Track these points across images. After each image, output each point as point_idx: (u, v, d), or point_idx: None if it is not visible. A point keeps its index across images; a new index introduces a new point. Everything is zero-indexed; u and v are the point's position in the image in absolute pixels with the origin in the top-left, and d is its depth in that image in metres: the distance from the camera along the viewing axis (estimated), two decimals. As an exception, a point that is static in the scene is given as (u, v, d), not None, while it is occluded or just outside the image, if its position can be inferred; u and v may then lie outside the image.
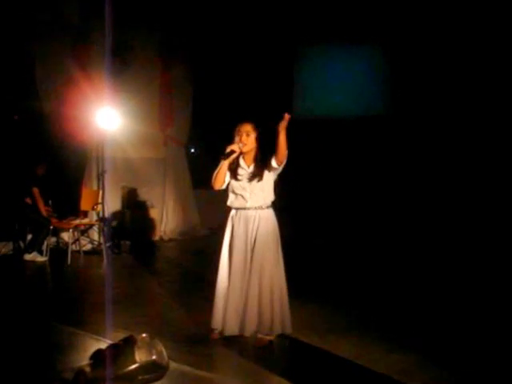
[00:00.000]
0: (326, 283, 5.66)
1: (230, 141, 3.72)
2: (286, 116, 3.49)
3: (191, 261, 7.21)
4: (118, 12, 6.72)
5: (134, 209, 8.03)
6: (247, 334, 3.65)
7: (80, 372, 2.71)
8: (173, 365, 3.06)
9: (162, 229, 8.46)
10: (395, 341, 3.90)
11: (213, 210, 8.82)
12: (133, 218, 8.00)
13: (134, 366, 2.76)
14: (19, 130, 7.69)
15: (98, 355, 2.83)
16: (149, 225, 8.18)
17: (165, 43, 8.33)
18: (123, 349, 2.80)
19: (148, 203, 8.25)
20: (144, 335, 2.90)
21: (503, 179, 7.46)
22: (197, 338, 3.90)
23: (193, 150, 9.93)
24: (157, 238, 8.29)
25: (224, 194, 3.87)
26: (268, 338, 3.71)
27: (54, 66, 7.31)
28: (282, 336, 3.79)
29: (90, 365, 2.76)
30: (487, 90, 7.83)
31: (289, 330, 3.77)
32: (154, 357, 2.82)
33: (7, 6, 6.60)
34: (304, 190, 8.85)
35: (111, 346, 2.90)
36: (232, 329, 3.65)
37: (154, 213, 8.34)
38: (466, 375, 3.39)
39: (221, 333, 3.73)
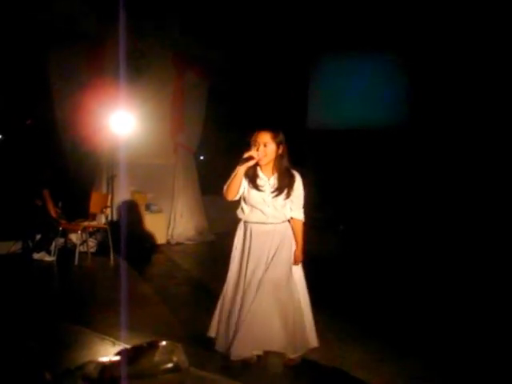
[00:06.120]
0: (337, 292, 5.67)
1: (245, 148, 3.40)
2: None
3: (198, 265, 7.25)
4: (132, 20, 6.85)
5: (143, 213, 8.12)
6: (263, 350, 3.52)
7: (105, 368, 2.77)
8: (191, 369, 3.11)
9: (170, 233, 8.54)
10: (401, 350, 3.95)
11: (220, 216, 8.91)
12: (141, 222, 8.08)
13: (154, 367, 2.82)
14: (32, 133, 7.82)
15: (121, 354, 2.89)
16: (157, 229, 8.24)
17: (178, 51, 8.42)
18: (146, 350, 2.86)
19: (156, 207, 8.34)
20: (167, 341, 2.97)
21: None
22: (200, 339, 3.91)
23: (202, 158, 10.03)
24: (164, 241, 8.35)
25: (232, 201, 3.74)
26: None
27: (68, 72, 7.42)
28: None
29: (114, 362, 2.83)
30: (508, 98, 7.85)
31: (300, 352, 3.54)
32: (174, 361, 2.88)
33: (23, 13, 6.74)
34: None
35: (135, 347, 2.97)
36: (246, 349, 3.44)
37: (162, 217, 8.42)
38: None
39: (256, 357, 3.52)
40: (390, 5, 7.89)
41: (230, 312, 3.48)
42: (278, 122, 3.60)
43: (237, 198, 3.48)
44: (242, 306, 3.41)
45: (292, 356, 3.53)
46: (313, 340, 3.59)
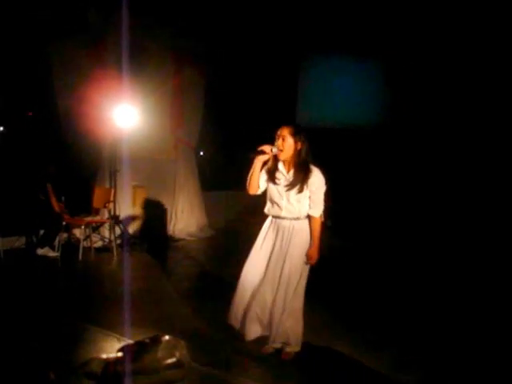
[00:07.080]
0: (327, 287, 5.65)
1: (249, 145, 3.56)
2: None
3: (200, 261, 7.24)
4: (133, 13, 6.83)
5: (145, 208, 8.15)
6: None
7: (108, 364, 2.82)
8: (193, 365, 3.16)
9: (171, 228, 8.56)
10: (389, 341, 4.05)
11: (219, 212, 8.95)
12: (143, 217, 8.11)
13: (157, 363, 2.86)
14: (33, 126, 7.81)
15: (124, 350, 2.93)
16: (158, 224, 8.28)
17: (176, 48, 8.40)
18: (149, 346, 2.91)
19: (158, 203, 8.37)
20: (170, 336, 3.01)
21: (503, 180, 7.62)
22: (202, 335, 3.98)
23: (202, 153, 10.03)
24: (166, 237, 8.36)
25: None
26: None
27: (70, 64, 7.40)
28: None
29: (117, 358, 2.87)
30: (484, 98, 7.97)
31: (296, 348, 3.66)
32: (176, 356, 2.92)
33: (26, 5, 6.74)
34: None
35: (138, 343, 3.01)
36: (253, 333, 3.57)
37: (163, 212, 8.45)
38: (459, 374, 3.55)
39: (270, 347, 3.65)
40: (378, 8, 7.96)
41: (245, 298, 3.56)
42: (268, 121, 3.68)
43: (259, 192, 3.59)
44: (249, 293, 3.54)
45: (288, 349, 3.65)
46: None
